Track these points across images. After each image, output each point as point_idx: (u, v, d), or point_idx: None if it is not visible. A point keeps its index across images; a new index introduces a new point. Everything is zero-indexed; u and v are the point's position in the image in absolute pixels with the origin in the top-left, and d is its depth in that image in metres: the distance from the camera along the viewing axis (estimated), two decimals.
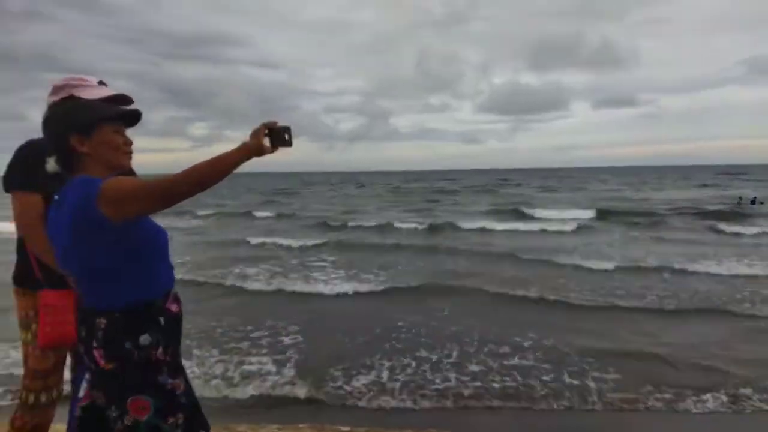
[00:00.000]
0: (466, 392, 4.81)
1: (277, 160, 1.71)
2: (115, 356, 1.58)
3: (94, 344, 1.58)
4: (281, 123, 1.62)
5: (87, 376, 1.72)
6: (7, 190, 2.02)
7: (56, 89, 1.94)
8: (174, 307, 1.69)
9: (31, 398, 2.11)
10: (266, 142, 1.59)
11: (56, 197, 1.62)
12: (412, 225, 20.05)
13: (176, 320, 1.70)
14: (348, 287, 9.34)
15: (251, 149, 1.57)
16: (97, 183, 1.52)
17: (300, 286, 9.55)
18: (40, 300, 1.99)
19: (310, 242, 15.34)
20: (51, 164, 1.62)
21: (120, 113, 1.68)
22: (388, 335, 6.48)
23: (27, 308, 2.10)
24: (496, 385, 4.95)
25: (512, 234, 17.72)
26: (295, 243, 15.27)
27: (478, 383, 4.99)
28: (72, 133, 1.59)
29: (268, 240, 16.13)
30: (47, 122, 1.64)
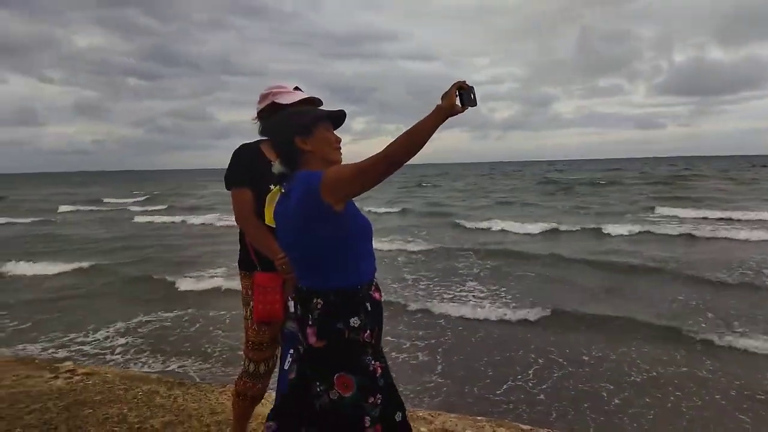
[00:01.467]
0: None
1: (425, 153, 1.74)
2: (327, 335, 1.76)
3: (309, 322, 1.78)
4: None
5: (292, 351, 2.02)
6: (227, 187, 2.31)
7: (262, 97, 2.32)
8: (377, 295, 1.86)
9: (251, 367, 2.39)
10: (457, 101, 1.65)
11: (283, 192, 1.87)
12: (534, 228, 15.86)
13: (380, 307, 1.86)
14: (498, 311, 7.32)
15: (445, 110, 1.64)
16: (318, 175, 1.72)
17: (435, 306, 7.66)
18: (254, 281, 2.28)
19: (433, 246, 12.88)
20: (276, 166, 1.87)
21: (330, 114, 1.87)
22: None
23: (247, 288, 2.38)
24: None
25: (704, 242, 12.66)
26: (419, 247, 12.84)
27: None
28: (296, 135, 1.82)
29: (393, 246, 13.12)
30: (272, 130, 1.92)
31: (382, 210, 23.94)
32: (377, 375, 1.80)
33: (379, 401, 1.78)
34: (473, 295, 8.42)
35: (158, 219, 22.21)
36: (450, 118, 1.69)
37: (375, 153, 1.65)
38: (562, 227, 15.94)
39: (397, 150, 1.62)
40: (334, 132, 1.92)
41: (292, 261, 1.91)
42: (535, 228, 16.32)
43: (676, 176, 43.61)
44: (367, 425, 1.76)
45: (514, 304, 7.69)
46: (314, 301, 1.80)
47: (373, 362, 1.80)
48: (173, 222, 21.40)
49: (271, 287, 2.24)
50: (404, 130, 1.65)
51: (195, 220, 21.41)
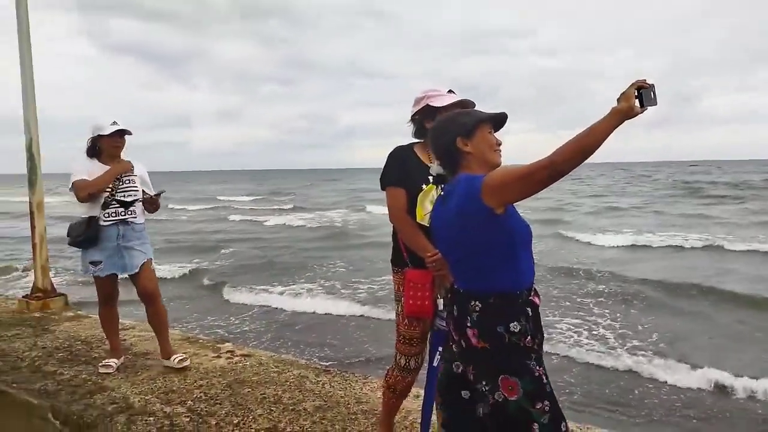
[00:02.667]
0: None
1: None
2: (488, 337, 1.76)
3: (468, 323, 1.80)
4: (628, 87, 1.57)
5: (440, 349, 2.12)
6: (382, 187, 2.43)
7: (417, 101, 2.41)
8: (537, 300, 1.84)
9: (402, 361, 2.47)
10: (636, 103, 1.57)
11: (441, 193, 1.93)
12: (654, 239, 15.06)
13: (539, 312, 1.83)
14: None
15: (622, 112, 1.55)
16: (480, 178, 1.73)
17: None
18: (405, 277, 2.36)
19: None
20: (435, 167, 1.96)
21: (492, 116, 1.89)
22: None
23: (398, 284, 2.46)
24: None
25: None
26: None
27: None
28: (457, 136, 1.85)
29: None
30: (434, 131, 1.94)
31: None
32: (544, 380, 1.74)
33: (548, 408, 1.72)
34: (596, 335, 7.50)
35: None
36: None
37: (540, 158, 1.59)
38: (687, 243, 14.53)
39: (564, 156, 1.54)
40: (495, 134, 1.90)
41: (450, 263, 1.92)
42: (654, 239, 15.16)
43: None
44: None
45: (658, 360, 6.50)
46: (472, 303, 1.80)
47: (537, 367, 1.75)
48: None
49: (421, 284, 2.29)
50: (574, 135, 1.56)
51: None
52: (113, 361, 3.65)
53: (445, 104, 2.30)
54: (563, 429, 1.77)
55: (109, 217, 3.47)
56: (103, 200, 3.46)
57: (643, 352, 6.83)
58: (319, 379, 3.49)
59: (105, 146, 3.51)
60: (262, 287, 11.05)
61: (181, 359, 3.65)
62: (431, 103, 2.33)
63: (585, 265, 12.35)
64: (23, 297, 5.42)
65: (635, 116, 1.56)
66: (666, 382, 5.95)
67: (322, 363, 4.98)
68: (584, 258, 13.60)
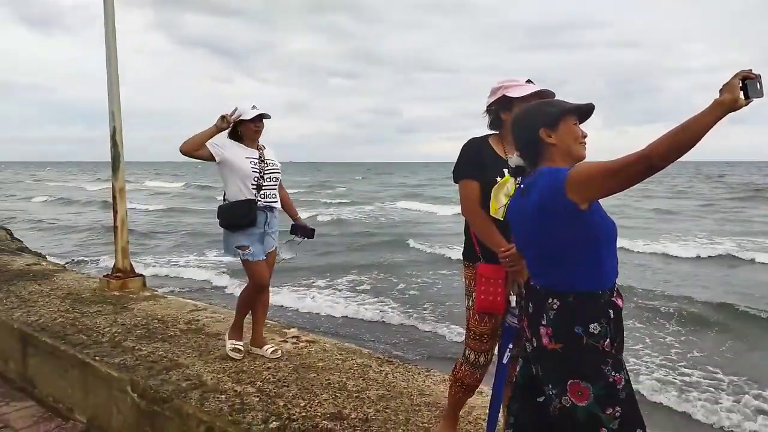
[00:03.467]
0: None
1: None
2: (563, 338, 1.71)
3: (543, 322, 1.75)
4: (731, 78, 1.48)
5: (511, 346, 2.12)
6: (455, 180, 2.42)
7: (493, 91, 2.36)
8: (619, 302, 1.77)
9: (472, 356, 2.45)
10: (740, 95, 1.48)
11: (521, 186, 1.87)
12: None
13: (621, 315, 1.76)
14: None
15: (725, 105, 1.45)
16: (564, 171, 1.68)
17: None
18: (477, 271, 2.33)
19: None
20: (514, 158, 1.91)
21: (579, 107, 1.83)
22: None
23: (470, 278, 2.44)
24: None
25: None
26: None
27: None
28: (541, 127, 1.80)
29: None
30: (516, 121, 1.89)
31: None
32: (618, 386, 1.67)
33: (618, 414, 1.66)
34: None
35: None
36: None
37: (632, 151, 1.51)
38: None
39: (660, 150, 1.45)
40: (580, 126, 1.83)
41: (528, 258, 1.87)
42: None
43: None
44: None
45: None
46: (549, 301, 1.74)
47: (612, 373, 1.68)
48: None
49: (493, 279, 2.25)
50: (670, 128, 1.46)
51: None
52: (242, 344, 3.71)
53: (523, 95, 2.25)
54: None
55: (261, 200, 3.50)
56: (255, 181, 3.48)
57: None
58: (381, 369, 3.52)
59: (246, 130, 3.54)
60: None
61: (274, 350, 3.70)
62: (508, 94, 2.29)
63: (648, 280, 11.69)
64: (104, 276, 5.76)
65: (739, 109, 1.46)
66: None
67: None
68: (649, 271, 12.93)
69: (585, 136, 1.83)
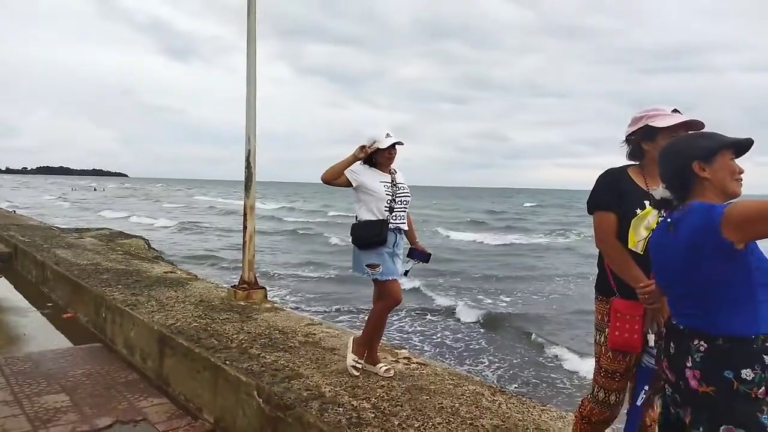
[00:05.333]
0: None
1: None
2: (713, 382, 1.65)
3: (688, 364, 1.70)
4: None
5: (646, 387, 2.08)
6: (590, 210, 2.38)
7: (634, 120, 2.31)
8: None
9: (601, 394, 2.36)
10: None
11: (668, 220, 1.82)
12: None
13: None
14: None
15: None
16: (719, 208, 1.64)
17: None
18: (611, 306, 2.28)
19: None
20: (660, 191, 1.85)
21: (737, 142, 1.78)
22: None
23: (602, 313, 2.38)
24: None
25: None
26: None
27: None
28: (695, 160, 1.75)
29: None
30: (668, 151, 1.85)
31: None
32: None
33: None
34: None
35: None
36: None
37: None
38: None
39: None
40: (736, 161, 1.76)
41: (670, 296, 1.80)
42: None
43: None
44: None
45: None
46: (696, 342, 1.67)
47: (763, 417, 1.58)
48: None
49: (630, 315, 2.17)
50: None
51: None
52: (362, 363, 3.79)
53: (668, 125, 2.17)
54: None
55: (392, 221, 3.64)
56: (388, 204, 3.64)
57: None
58: (495, 398, 3.48)
59: (381, 158, 3.69)
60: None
61: (387, 368, 3.79)
62: (652, 123, 2.22)
63: None
64: (232, 287, 6.21)
65: None
66: None
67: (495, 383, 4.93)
68: None
69: (741, 172, 1.76)
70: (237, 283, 6.18)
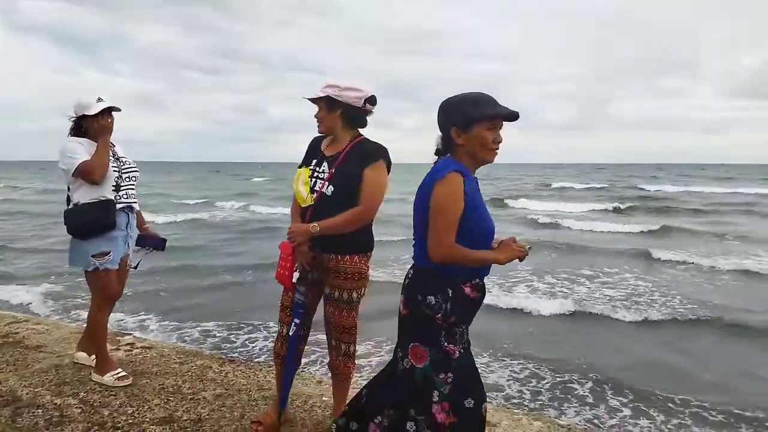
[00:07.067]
0: None
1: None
2: (409, 305, 1.90)
3: (402, 291, 1.94)
4: None
5: (297, 320, 2.41)
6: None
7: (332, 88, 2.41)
8: (469, 291, 1.90)
9: (284, 329, 2.58)
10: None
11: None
12: None
13: (468, 301, 1.90)
14: None
15: (496, 262, 1.85)
16: (444, 172, 1.81)
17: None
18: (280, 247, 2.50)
19: None
20: (436, 139, 1.97)
21: (493, 115, 1.84)
22: None
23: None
24: None
25: None
26: None
27: None
28: (453, 126, 1.87)
29: None
30: (441, 110, 1.93)
31: None
32: (452, 357, 1.86)
33: (450, 380, 1.85)
34: None
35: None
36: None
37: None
38: None
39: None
40: (498, 131, 1.89)
41: (415, 239, 1.99)
42: None
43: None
44: (435, 399, 1.85)
45: None
46: (408, 272, 1.97)
47: (447, 344, 1.86)
48: None
49: (283, 255, 2.45)
50: None
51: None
52: (121, 371, 3.24)
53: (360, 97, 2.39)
54: (467, 405, 1.86)
55: (121, 200, 3.13)
56: (114, 181, 3.10)
57: None
58: (222, 369, 3.49)
59: (92, 126, 3.09)
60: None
61: (121, 376, 3.21)
62: (334, 95, 2.39)
63: None
64: None
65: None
66: None
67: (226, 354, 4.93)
68: None
69: (498, 142, 1.88)
70: None
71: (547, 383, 5.10)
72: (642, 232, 16.45)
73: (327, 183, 2.37)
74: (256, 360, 4.38)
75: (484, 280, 1.98)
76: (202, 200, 29.28)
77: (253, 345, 5.97)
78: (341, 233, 2.36)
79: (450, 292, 1.87)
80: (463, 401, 1.86)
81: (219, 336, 6.30)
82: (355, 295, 2.47)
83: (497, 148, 1.88)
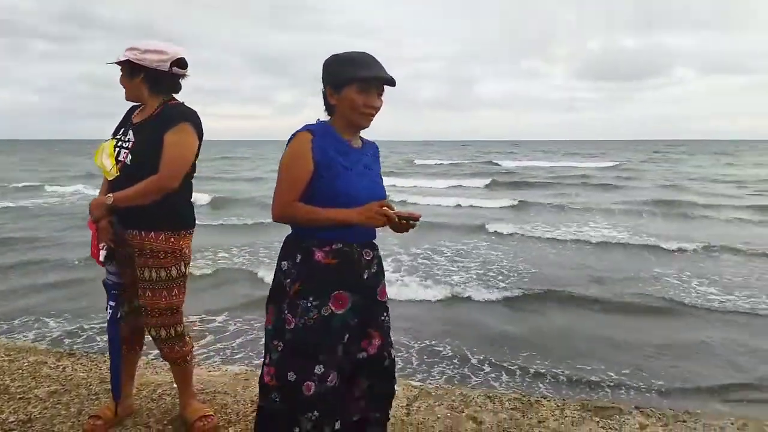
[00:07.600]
0: None
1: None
2: (276, 270, 1.94)
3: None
4: None
5: (112, 303, 2.37)
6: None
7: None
8: (320, 256, 1.82)
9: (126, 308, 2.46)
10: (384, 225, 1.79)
11: None
12: None
13: (320, 268, 1.82)
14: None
15: (354, 221, 1.79)
16: (295, 132, 1.81)
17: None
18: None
19: None
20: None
21: (364, 78, 1.76)
22: None
23: None
24: None
25: None
26: None
27: None
28: (327, 85, 1.83)
29: None
30: (323, 64, 1.85)
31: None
32: (287, 326, 1.84)
33: (280, 348, 1.86)
34: None
35: None
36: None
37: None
38: None
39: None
40: (376, 96, 1.82)
41: None
42: None
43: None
44: (266, 361, 1.92)
45: None
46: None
47: (287, 312, 1.85)
48: None
49: (92, 233, 2.32)
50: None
51: None
52: None
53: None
54: (289, 378, 1.82)
55: None
56: None
57: None
58: (59, 364, 3.23)
59: None
60: None
61: None
62: (133, 58, 2.25)
63: None
64: None
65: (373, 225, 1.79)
66: None
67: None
68: None
69: (371, 106, 1.81)
70: None
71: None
72: (493, 208, 17.71)
73: (128, 152, 2.24)
74: (100, 352, 4.09)
75: (360, 247, 1.88)
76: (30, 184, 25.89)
77: (102, 338, 5.58)
78: (143, 207, 2.19)
79: (299, 257, 1.84)
80: (286, 373, 1.84)
81: (60, 331, 5.80)
82: (171, 272, 2.30)
83: (370, 113, 1.81)
